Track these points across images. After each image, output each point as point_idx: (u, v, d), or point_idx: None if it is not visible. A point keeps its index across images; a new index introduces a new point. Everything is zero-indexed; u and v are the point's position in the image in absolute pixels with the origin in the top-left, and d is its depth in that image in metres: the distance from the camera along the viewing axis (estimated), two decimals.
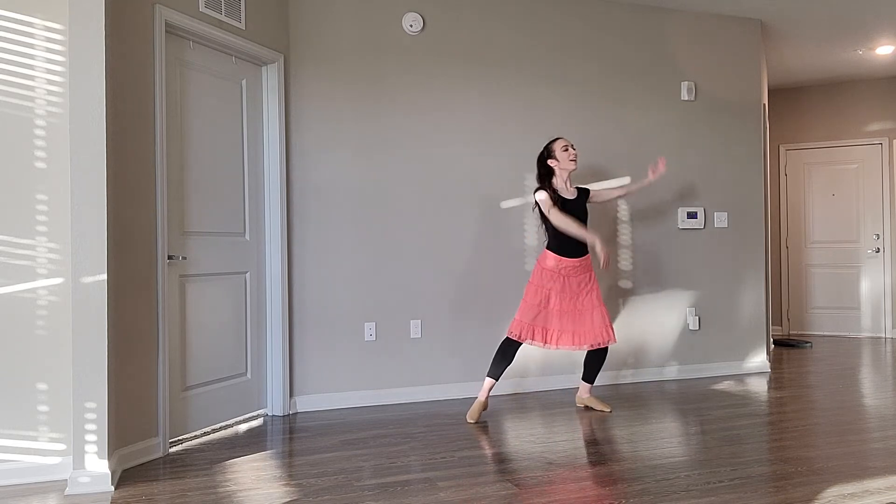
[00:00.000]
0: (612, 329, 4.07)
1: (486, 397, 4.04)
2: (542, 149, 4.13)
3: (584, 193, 4.12)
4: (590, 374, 4.19)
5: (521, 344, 3.99)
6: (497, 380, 4.04)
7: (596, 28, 5.01)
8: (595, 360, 4.15)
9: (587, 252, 4.05)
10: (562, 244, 4.00)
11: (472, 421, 3.96)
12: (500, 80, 4.75)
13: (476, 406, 4.01)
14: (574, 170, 4.06)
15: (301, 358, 4.27)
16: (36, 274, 2.98)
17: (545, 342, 4.00)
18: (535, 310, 3.98)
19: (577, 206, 4.03)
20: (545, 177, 4.05)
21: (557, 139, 4.07)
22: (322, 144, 4.32)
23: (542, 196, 3.97)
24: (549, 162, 4.04)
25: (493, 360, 4.03)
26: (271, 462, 3.28)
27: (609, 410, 4.15)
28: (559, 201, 3.97)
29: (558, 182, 4.05)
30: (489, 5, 4.74)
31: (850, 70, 7.02)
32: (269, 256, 4.16)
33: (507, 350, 4.00)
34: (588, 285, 4.04)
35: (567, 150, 4.01)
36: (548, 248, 4.04)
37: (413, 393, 4.51)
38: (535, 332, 3.99)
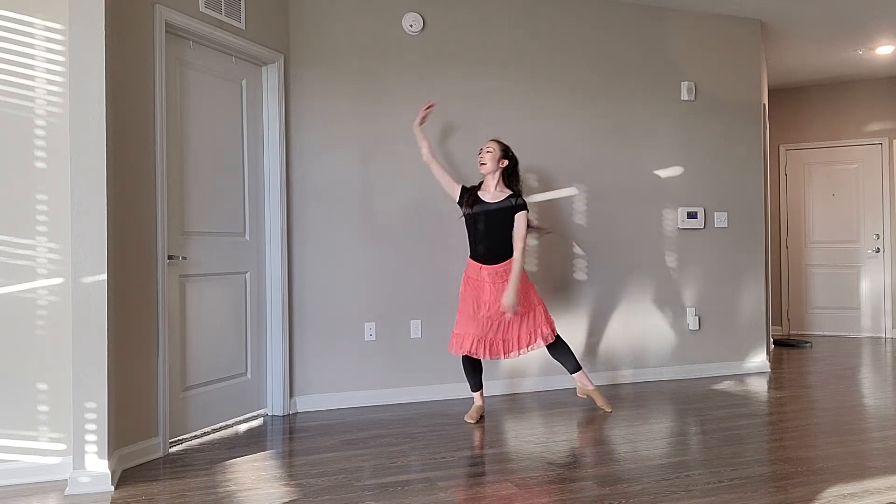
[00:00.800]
0: (551, 326, 3.96)
1: (482, 401, 4.08)
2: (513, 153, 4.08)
3: (510, 203, 3.92)
4: (570, 365, 4.09)
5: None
6: (481, 387, 4.07)
7: (596, 28, 5.01)
8: (560, 354, 4.05)
9: (506, 258, 3.91)
10: (475, 250, 3.95)
11: (471, 421, 3.97)
12: (500, 80, 4.75)
13: (474, 409, 4.03)
14: (484, 172, 3.98)
15: (301, 358, 4.27)
16: (36, 274, 2.98)
17: (490, 355, 3.92)
18: (468, 320, 3.90)
19: (489, 214, 3.91)
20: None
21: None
22: (322, 144, 4.32)
23: (453, 186, 4.05)
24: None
25: (466, 376, 4.06)
26: (271, 462, 3.28)
27: (609, 410, 4.15)
28: (468, 200, 3.95)
29: (489, 183, 3.99)
30: (489, 5, 4.74)
31: (850, 70, 7.02)
32: (269, 256, 4.16)
33: (469, 363, 4.02)
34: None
35: (480, 152, 4.01)
36: (470, 255, 4.01)
37: (413, 393, 4.51)
38: (474, 344, 3.88)
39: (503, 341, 3.94)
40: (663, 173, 5.17)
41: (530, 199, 4.73)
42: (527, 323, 3.96)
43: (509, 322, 3.92)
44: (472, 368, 4.04)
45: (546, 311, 4.01)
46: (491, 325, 3.91)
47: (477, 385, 4.07)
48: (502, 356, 3.95)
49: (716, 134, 5.34)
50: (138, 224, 3.26)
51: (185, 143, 3.63)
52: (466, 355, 3.93)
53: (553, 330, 3.99)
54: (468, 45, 4.68)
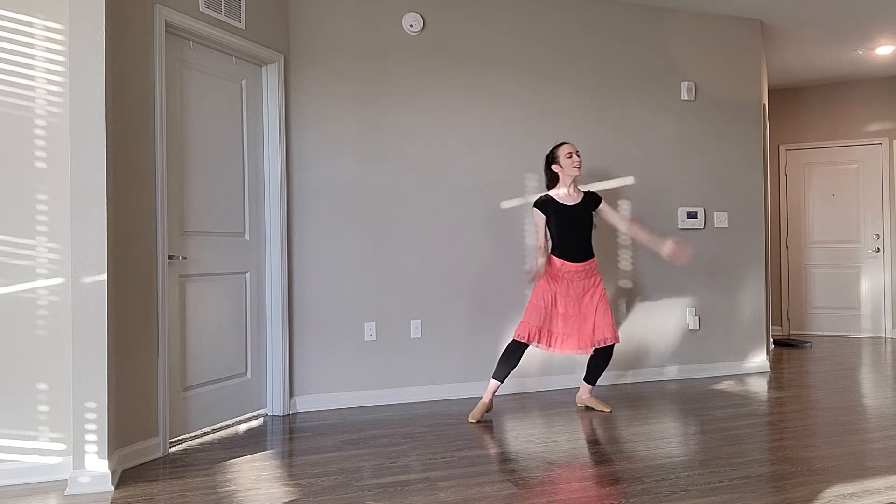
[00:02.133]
0: (616, 330, 4.06)
1: (490, 399, 4.05)
2: (548, 152, 4.14)
3: (591, 199, 4.09)
4: (592, 375, 4.18)
5: (527, 346, 3.99)
6: (502, 382, 4.06)
7: (596, 28, 5.01)
8: (599, 362, 4.13)
9: (591, 256, 4.07)
10: (564, 248, 4.02)
11: (473, 421, 3.96)
12: (501, 80, 4.75)
13: (479, 407, 4.02)
14: (577, 175, 4.06)
15: (301, 358, 4.27)
16: (36, 274, 2.98)
17: (549, 346, 4.02)
18: (541, 312, 3.99)
19: (577, 213, 4.04)
20: (549, 182, 4.12)
21: (563, 144, 4.06)
22: (322, 144, 4.32)
23: (535, 216, 4.07)
24: (553, 167, 4.07)
25: (499, 361, 4.03)
26: (271, 462, 3.28)
27: (609, 410, 4.15)
28: (557, 210, 4.01)
29: (561, 187, 4.07)
30: (489, 5, 4.74)
31: (850, 70, 7.02)
32: (269, 256, 4.16)
33: (514, 352, 4.00)
34: (592, 289, 4.05)
35: (571, 156, 4.02)
36: (551, 252, 4.06)
37: (413, 393, 4.51)
38: (542, 335, 4.00)
39: (576, 337, 4.01)
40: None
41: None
42: (595, 322, 4.02)
43: (581, 319, 4.01)
44: (510, 359, 4.00)
45: (611, 316, 4.07)
46: (565, 320, 4.00)
47: (503, 376, 4.02)
48: (558, 349, 4.02)
49: (716, 134, 5.34)
50: (138, 224, 3.26)
51: (185, 143, 3.63)
52: (516, 346, 3.98)
53: (615, 337, 4.02)
54: (468, 45, 4.68)
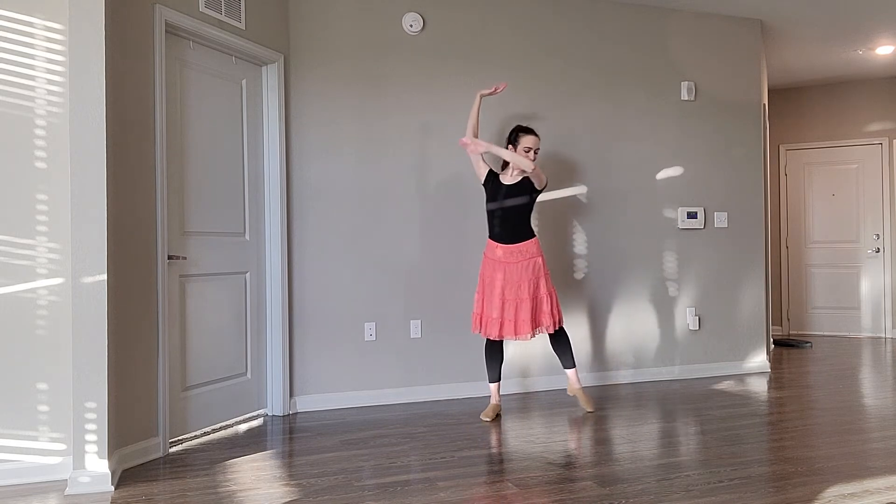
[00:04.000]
0: (556, 316, 4.00)
1: (498, 399, 4.12)
2: (514, 127, 4.10)
3: (530, 183, 4.02)
4: (564, 360, 4.15)
5: (500, 341, 4.04)
6: (499, 380, 4.11)
7: (596, 28, 5.01)
8: (560, 346, 4.11)
9: (528, 237, 4.01)
10: (494, 229, 4.03)
11: (487, 419, 3.98)
12: (500, 80, 4.75)
13: (491, 407, 4.06)
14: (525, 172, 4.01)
15: (301, 358, 4.27)
16: (36, 274, 2.98)
17: (498, 334, 3.96)
18: (479, 301, 4.04)
19: (512, 192, 3.99)
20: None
21: (529, 135, 4.02)
22: (322, 144, 4.32)
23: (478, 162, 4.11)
24: (510, 147, 4.05)
25: (486, 364, 4.13)
26: (271, 462, 3.28)
27: (591, 410, 4.12)
28: (495, 183, 4.02)
29: (509, 168, 4.06)
30: (489, 5, 4.74)
31: (850, 70, 7.02)
32: (269, 256, 4.16)
33: (490, 349, 4.09)
34: (530, 273, 3.96)
35: (528, 151, 3.99)
36: (489, 236, 4.09)
37: (413, 393, 4.51)
38: (483, 324, 4.01)
39: (515, 322, 3.96)
40: (663, 174, 5.17)
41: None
42: (538, 307, 3.99)
43: (521, 304, 3.95)
44: (492, 357, 4.10)
45: (557, 301, 4.06)
46: (503, 305, 3.97)
47: (495, 376, 4.11)
48: (513, 337, 3.96)
49: (716, 134, 5.34)
50: (138, 224, 3.26)
51: (185, 143, 3.63)
52: (488, 343, 4.08)
53: (560, 319, 4.03)
54: (468, 45, 4.68)
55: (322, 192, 4.32)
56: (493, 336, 3.97)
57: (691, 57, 5.27)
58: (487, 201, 4.08)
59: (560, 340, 4.12)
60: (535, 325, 3.97)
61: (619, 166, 5.04)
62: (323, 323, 4.32)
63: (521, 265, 3.97)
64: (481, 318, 4.03)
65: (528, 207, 4.04)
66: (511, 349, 4.74)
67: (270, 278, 4.16)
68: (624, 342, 5.04)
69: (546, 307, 3.98)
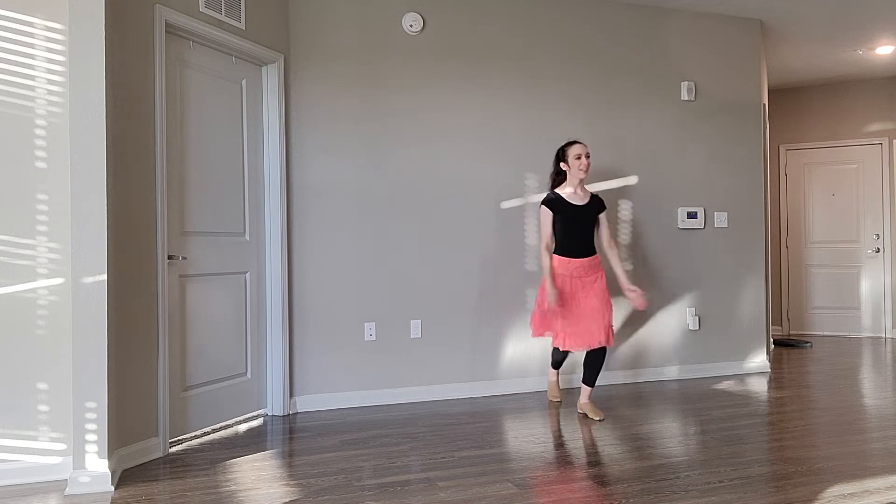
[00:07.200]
0: (611, 332, 4.01)
1: (556, 378, 4.51)
2: (558, 148, 4.15)
3: (597, 203, 4.11)
4: (588, 375, 4.10)
5: (559, 349, 4.22)
6: (557, 368, 4.48)
7: (596, 28, 5.01)
8: (592, 361, 4.06)
9: (594, 252, 4.08)
10: (569, 246, 4.03)
11: (556, 400, 4.44)
12: (500, 80, 4.75)
13: (551, 386, 4.50)
14: (583, 178, 4.06)
15: (301, 358, 4.27)
16: (36, 274, 2.98)
17: (561, 345, 4.04)
18: (546, 310, 4.05)
19: (584, 213, 4.05)
20: (556, 177, 4.15)
21: (574, 144, 4.06)
22: (322, 144, 4.32)
23: (542, 214, 4.08)
24: (562, 164, 4.08)
25: (553, 353, 4.43)
26: (271, 462, 3.28)
27: (601, 419, 4.03)
28: (565, 209, 4.03)
29: (568, 186, 4.08)
30: (489, 5, 4.74)
31: (850, 70, 7.02)
32: (269, 256, 4.16)
33: (554, 352, 4.40)
34: (593, 287, 4.03)
35: (580, 158, 4.01)
36: (554, 251, 4.07)
37: (413, 393, 4.51)
38: (548, 331, 4.14)
39: (574, 335, 4.00)
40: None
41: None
42: (592, 321, 3.98)
43: (581, 317, 3.99)
44: (555, 356, 4.43)
45: (609, 316, 4.02)
46: (565, 317, 4.02)
47: (558, 364, 4.44)
48: (563, 347, 4.03)
49: (716, 134, 5.34)
50: (138, 224, 3.26)
51: (185, 143, 3.63)
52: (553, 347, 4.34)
53: (609, 339, 3.99)
54: (468, 45, 4.68)
55: (322, 192, 4.32)
56: (559, 344, 4.09)
57: (691, 57, 5.27)
58: (563, 224, 4.05)
59: (596, 356, 4.04)
60: (590, 338, 3.98)
61: (618, 166, 5.04)
62: (323, 323, 4.32)
63: (588, 279, 4.06)
64: (546, 326, 4.14)
65: (595, 225, 4.16)
66: (511, 349, 4.74)
67: (270, 278, 4.16)
68: (624, 342, 5.04)
69: (604, 322, 3.99)
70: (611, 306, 4.04)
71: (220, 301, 3.85)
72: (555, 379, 4.49)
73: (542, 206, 4.07)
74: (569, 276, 4.03)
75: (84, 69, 2.92)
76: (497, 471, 3.09)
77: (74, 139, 2.92)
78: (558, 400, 4.45)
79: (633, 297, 3.98)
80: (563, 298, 4.01)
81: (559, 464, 3.17)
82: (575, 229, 4.03)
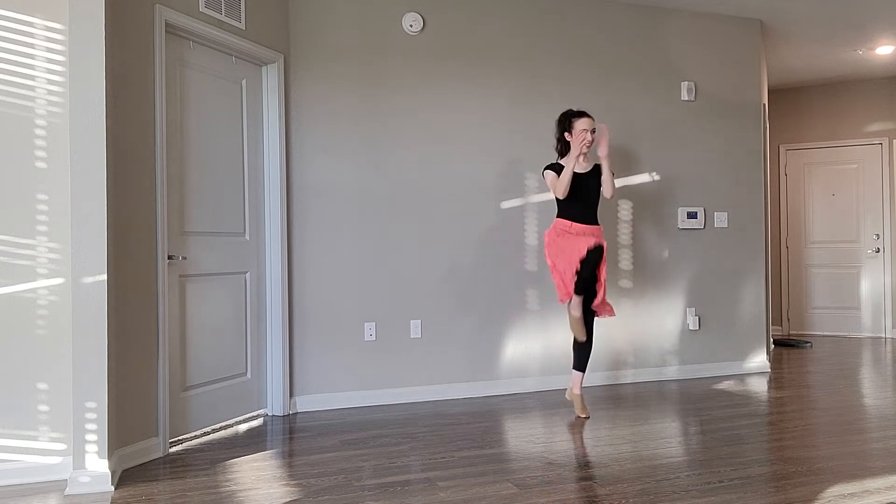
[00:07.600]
0: (605, 303, 3.99)
1: (580, 390, 4.10)
2: (563, 114, 4.06)
3: (599, 171, 4.02)
4: (578, 360, 4.08)
5: (581, 315, 3.93)
6: (583, 371, 4.10)
7: (596, 28, 5.01)
8: (581, 346, 4.04)
9: (597, 223, 4.03)
10: (572, 211, 3.99)
11: (583, 415, 4.02)
12: (500, 80, 4.75)
13: (577, 401, 4.07)
14: (585, 153, 3.99)
15: (301, 358, 4.27)
16: (36, 274, 2.98)
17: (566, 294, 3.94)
18: (564, 270, 3.92)
19: (587, 179, 4.00)
20: (561, 148, 4.06)
21: (583, 117, 3.98)
22: (322, 144, 4.32)
23: (548, 177, 4.02)
24: (566, 135, 4.03)
25: (573, 350, 4.10)
26: (271, 462, 3.28)
27: (586, 416, 4.02)
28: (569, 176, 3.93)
29: (571, 157, 3.97)
30: (489, 5, 4.74)
31: (850, 70, 7.02)
32: (269, 256, 4.16)
33: (575, 345, 4.06)
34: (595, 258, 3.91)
35: (585, 133, 3.94)
36: (558, 216, 4.03)
37: (413, 393, 4.51)
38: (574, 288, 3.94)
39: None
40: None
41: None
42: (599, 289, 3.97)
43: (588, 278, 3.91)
44: (576, 345, 4.09)
45: (605, 290, 4.00)
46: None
47: (580, 366, 4.09)
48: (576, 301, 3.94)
49: (716, 134, 5.34)
50: (138, 224, 3.26)
51: (185, 143, 3.63)
52: (574, 318, 3.98)
53: (610, 310, 4.02)
54: (468, 44, 4.68)
55: (322, 192, 4.32)
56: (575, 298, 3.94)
57: (691, 57, 5.27)
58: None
59: (587, 344, 4.05)
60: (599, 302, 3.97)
61: (618, 167, 5.04)
62: (323, 323, 4.32)
63: (592, 244, 3.92)
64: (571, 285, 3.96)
65: (599, 195, 4.07)
66: (511, 349, 4.74)
67: (270, 278, 4.16)
68: (624, 342, 5.04)
69: (602, 293, 3.98)
70: (605, 287, 3.97)
71: (220, 301, 3.85)
72: (579, 392, 4.10)
73: (547, 171, 4.03)
74: (572, 234, 3.95)
75: (84, 69, 2.92)
76: (497, 471, 3.09)
77: (74, 139, 2.92)
78: (586, 416, 4.04)
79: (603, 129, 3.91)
80: (565, 251, 3.90)
81: (559, 464, 3.17)
82: (578, 196, 3.98)
